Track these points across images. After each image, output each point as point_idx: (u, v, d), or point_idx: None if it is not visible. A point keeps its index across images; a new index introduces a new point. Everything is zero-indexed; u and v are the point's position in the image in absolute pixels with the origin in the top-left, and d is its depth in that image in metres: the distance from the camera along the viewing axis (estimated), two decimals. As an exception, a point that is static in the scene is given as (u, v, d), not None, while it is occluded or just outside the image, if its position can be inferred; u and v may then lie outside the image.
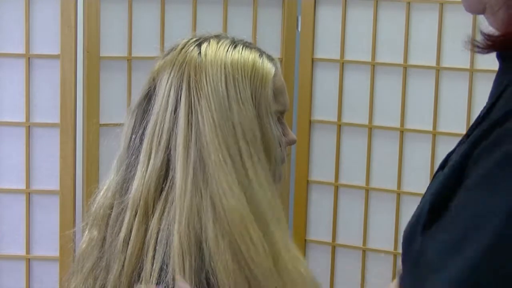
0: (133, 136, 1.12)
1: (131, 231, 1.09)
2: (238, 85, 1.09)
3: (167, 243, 1.05)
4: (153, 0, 2.45)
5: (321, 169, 2.60)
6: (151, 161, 1.08)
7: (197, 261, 1.04)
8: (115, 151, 1.16)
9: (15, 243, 2.49)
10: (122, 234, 1.09)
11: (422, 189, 0.92)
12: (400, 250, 1.10)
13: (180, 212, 1.05)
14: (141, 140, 1.11)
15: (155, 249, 1.06)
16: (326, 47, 2.55)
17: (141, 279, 1.07)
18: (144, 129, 1.11)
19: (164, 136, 1.08)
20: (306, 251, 2.61)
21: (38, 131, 2.47)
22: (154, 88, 1.12)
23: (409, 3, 2.43)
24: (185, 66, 1.10)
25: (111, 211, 1.12)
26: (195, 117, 1.07)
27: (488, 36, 0.81)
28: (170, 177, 1.08)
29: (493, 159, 0.74)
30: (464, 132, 1.24)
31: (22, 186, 2.47)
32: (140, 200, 1.08)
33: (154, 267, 1.05)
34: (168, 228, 1.05)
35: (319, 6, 2.54)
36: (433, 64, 2.43)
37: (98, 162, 2.43)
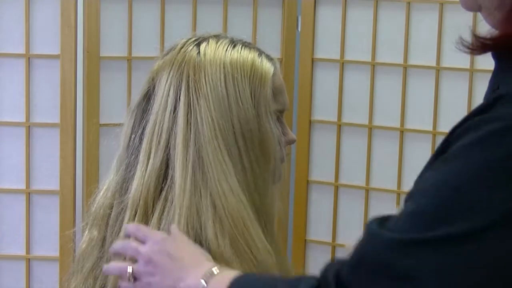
0: (133, 136, 1.12)
1: None
2: (237, 85, 1.09)
3: None
4: (153, 0, 2.45)
5: (321, 169, 2.60)
6: (151, 160, 1.08)
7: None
8: (115, 151, 1.16)
9: (15, 243, 2.49)
10: (122, 234, 1.09)
11: (422, 189, 0.92)
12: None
13: (179, 212, 1.05)
14: (141, 139, 1.11)
15: None
16: (326, 47, 2.55)
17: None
18: (144, 129, 1.11)
19: (164, 136, 1.08)
20: (306, 251, 2.61)
21: (38, 131, 2.47)
22: (154, 88, 1.12)
23: (409, 3, 2.43)
24: (184, 65, 1.10)
25: (111, 211, 1.12)
26: (194, 116, 1.07)
27: (478, 38, 0.82)
28: (169, 176, 1.08)
29: (477, 134, 0.77)
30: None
31: (22, 186, 2.47)
32: (139, 200, 1.08)
33: None
34: (168, 227, 1.05)
35: (319, 6, 2.54)
36: (433, 64, 2.43)
37: (98, 162, 2.43)
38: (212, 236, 1.03)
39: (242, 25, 2.50)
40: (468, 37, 0.84)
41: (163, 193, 1.08)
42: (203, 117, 1.07)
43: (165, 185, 1.08)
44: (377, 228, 0.82)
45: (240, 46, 1.13)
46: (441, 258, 0.75)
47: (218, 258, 1.03)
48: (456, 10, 2.36)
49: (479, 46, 0.82)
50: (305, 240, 2.62)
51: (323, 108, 2.57)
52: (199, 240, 1.04)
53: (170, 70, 1.10)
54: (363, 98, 2.52)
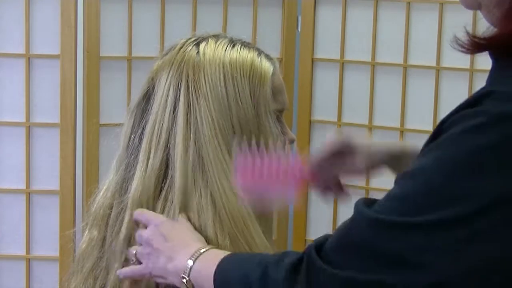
0: (132, 136, 1.12)
1: (131, 231, 1.09)
2: (237, 84, 1.09)
3: None
4: (153, 0, 2.45)
5: (321, 169, 2.59)
6: (150, 160, 1.08)
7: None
8: (115, 151, 1.16)
9: (15, 243, 2.49)
10: (122, 234, 1.09)
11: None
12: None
13: (179, 212, 1.05)
14: (140, 139, 1.11)
15: None
16: (326, 47, 2.55)
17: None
18: (143, 128, 1.11)
19: (163, 136, 1.08)
20: (306, 251, 2.61)
21: (38, 131, 2.47)
22: (153, 88, 1.12)
23: (409, 3, 2.43)
24: (184, 65, 1.10)
25: (111, 211, 1.12)
26: (194, 116, 1.07)
27: (472, 38, 0.82)
28: (169, 176, 1.08)
29: (465, 125, 0.79)
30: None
31: (22, 186, 2.47)
32: (140, 200, 1.08)
33: None
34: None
35: (319, 6, 2.54)
36: (433, 64, 2.43)
37: (98, 162, 2.43)
38: (212, 235, 1.04)
39: (242, 25, 2.50)
40: (463, 36, 0.84)
41: (163, 193, 1.08)
42: (202, 116, 1.07)
43: (165, 184, 1.08)
44: (364, 207, 0.83)
45: (240, 46, 1.13)
46: (431, 242, 0.77)
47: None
48: (456, 10, 2.36)
49: (473, 45, 0.83)
50: (305, 240, 2.62)
51: (323, 108, 2.57)
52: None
53: (169, 70, 1.10)
54: (363, 98, 2.52)
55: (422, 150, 0.85)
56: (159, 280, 1.03)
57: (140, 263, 1.05)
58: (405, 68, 2.46)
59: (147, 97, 1.12)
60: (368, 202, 0.85)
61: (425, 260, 0.77)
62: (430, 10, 2.42)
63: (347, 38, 2.52)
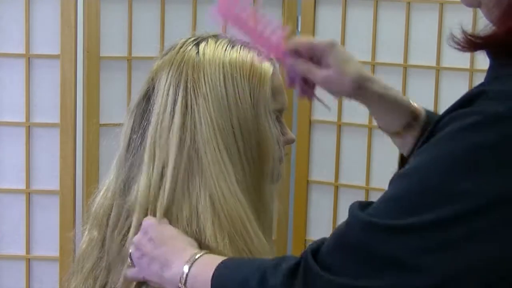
0: (133, 136, 1.11)
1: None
2: (237, 84, 1.09)
3: None
4: (153, 0, 2.45)
5: (321, 169, 2.60)
6: (156, 162, 1.08)
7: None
8: (115, 151, 1.16)
9: (15, 243, 2.49)
10: (131, 235, 1.07)
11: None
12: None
13: (179, 212, 1.05)
14: (142, 140, 1.10)
15: None
16: (326, 47, 2.55)
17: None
18: (144, 129, 1.10)
19: (164, 136, 1.08)
20: (306, 251, 2.61)
21: (38, 131, 2.47)
22: (153, 88, 1.11)
23: (409, 3, 2.43)
24: (183, 65, 1.09)
25: (111, 212, 1.12)
26: (193, 116, 1.07)
27: (468, 36, 0.83)
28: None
29: (459, 124, 0.79)
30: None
31: (22, 186, 2.47)
32: (148, 203, 1.07)
33: None
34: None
35: (319, 6, 2.54)
36: (433, 64, 2.43)
37: (98, 162, 2.43)
38: (211, 236, 1.03)
39: (242, 25, 2.50)
40: (458, 34, 0.85)
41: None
42: (201, 116, 1.06)
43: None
44: (358, 210, 0.83)
45: (239, 46, 1.13)
46: (427, 243, 0.76)
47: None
48: (456, 10, 2.36)
49: (468, 43, 0.83)
50: (305, 240, 2.62)
51: (323, 108, 2.56)
52: (198, 240, 1.04)
53: (169, 70, 1.10)
54: (363, 98, 2.52)
55: (418, 148, 0.85)
56: (154, 285, 1.03)
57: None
58: (405, 68, 2.46)
59: (147, 97, 1.12)
60: (362, 205, 0.84)
61: (422, 262, 0.76)
62: (430, 10, 2.42)
63: (347, 38, 2.52)
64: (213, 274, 0.95)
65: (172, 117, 1.07)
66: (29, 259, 2.50)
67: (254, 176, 1.09)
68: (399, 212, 0.79)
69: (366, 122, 2.52)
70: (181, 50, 1.11)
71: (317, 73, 1.07)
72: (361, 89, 1.08)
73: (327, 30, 2.54)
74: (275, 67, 1.15)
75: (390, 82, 2.66)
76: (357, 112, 2.53)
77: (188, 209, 1.05)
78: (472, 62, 2.37)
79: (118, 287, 1.08)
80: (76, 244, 1.22)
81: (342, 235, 0.84)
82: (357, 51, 2.51)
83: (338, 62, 1.06)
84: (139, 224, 1.06)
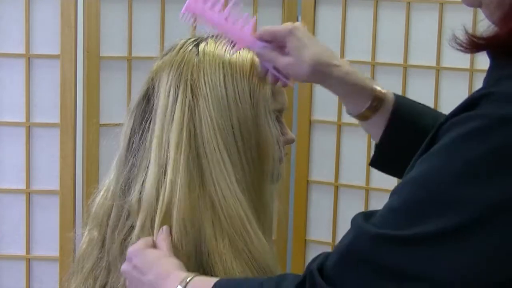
0: (134, 137, 1.11)
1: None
2: (237, 84, 1.09)
3: None
4: (153, 0, 2.45)
5: (321, 169, 2.60)
6: (158, 162, 1.07)
7: (197, 260, 1.04)
8: (115, 151, 1.16)
9: (15, 243, 2.49)
10: (135, 236, 1.07)
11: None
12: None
13: (178, 213, 1.05)
14: (142, 140, 1.10)
15: None
16: (326, 47, 2.55)
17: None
18: (144, 129, 1.10)
19: (165, 137, 1.08)
20: (306, 251, 2.61)
21: (38, 131, 2.47)
22: (153, 89, 1.11)
23: (409, 3, 2.43)
24: (183, 66, 1.09)
25: (111, 212, 1.12)
26: (193, 116, 1.07)
27: (471, 37, 0.82)
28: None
29: (461, 130, 0.78)
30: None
31: (22, 186, 2.47)
32: (151, 203, 1.06)
33: None
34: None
35: (319, 6, 2.54)
36: (433, 64, 2.43)
37: (98, 162, 2.43)
38: (211, 236, 1.03)
39: (242, 25, 2.50)
40: (461, 35, 0.84)
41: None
42: (202, 117, 1.06)
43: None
44: (363, 221, 0.82)
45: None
46: (430, 253, 0.76)
47: (216, 258, 1.02)
48: (456, 10, 2.36)
49: (472, 44, 0.83)
50: (305, 240, 2.62)
51: (323, 108, 2.57)
52: (198, 240, 1.04)
53: (169, 71, 1.10)
54: (363, 98, 2.51)
55: (420, 154, 0.84)
56: None
57: None
58: (405, 68, 2.46)
59: (147, 97, 1.12)
60: (366, 216, 0.84)
61: (425, 271, 0.76)
62: (430, 10, 2.42)
63: (347, 38, 2.52)
64: None
65: (173, 118, 1.07)
66: (29, 259, 2.50)
67: (254, 176, 1.09)
68: (404, 222, 0.78)
69: (366, 122, 2.52)
70: (181, 50, 1.11)
71: (279, 60, 1.08)
72: (318, 75, 1.10)
73: (327, 30, 2.54)
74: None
75: (390, 82, 2.68)
76: (357, 112, 2.53)
77: (188, 209, 1.05)
78: (472, 62, 2.37)
79: (118, 287, 1.09)
80: (76, 244, 1.23)
81: (347, 248, 0.83)
82: (357, 51, 2.51)
83: (295, 48, 1.08)
84: (142, 225, 1.06)
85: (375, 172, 2.54)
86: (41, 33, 2.42)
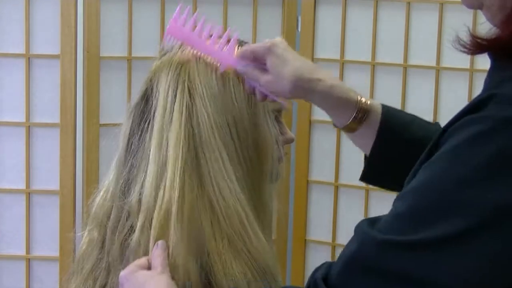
0: (133, 137, 1.11)
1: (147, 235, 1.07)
2: (233, 84, 1.09)
3: None
4: (153, 0, 2.45)
5: (321, 169, 2.60)
6: (157, 163, 1.07)
7: (196, 261, 1.04)
8: (115, 151, 1.16)
9: (15, 243, 2.49)
10: (132, 242, 1.07)
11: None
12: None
13: (178, 213, 1.05)
14: (141, 141, 1.10)
15: None
16: (326, 47, 2.55)
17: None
18: (143, 130, 1.10)
19: (164, 137, 1.08)
20: (306, 251, 2.61)
21: (38, 131, 2.47)
22: (152, 89, 1.11)
23: (409, 3, 2.43)
24: (182, 66, 1.09)
25: (111, 212, 1.12)
26: (191, 117, 1.07)
27: (474, 38, 0.82)
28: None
29: (465, 134, 0.78)
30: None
31: (22, 186, 2.47)
32: (151, 203, 1.06)
33: None
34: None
35: (319, 6, 2.54)
36: (433, 64, 2.43)
37: (98, 162, 2.43)
38: (210, 236, 1.03)
39: (242, 25, 2.50)
40: (465, 37, 0.84)
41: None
42: (199, 117, 1.06)
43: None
44: (368, 228, 0.82)
45: (238, 46, 1.13)
46: (435, 258, 0.76)
47: (216, 258, 1.02)
48: (456, 10, 2.36)
49: (475, 46, 0.83)
50: (305, 240, 2.62)
51: (323, 108, 2.56)
52: (197, 241, 1.04)
53: (168, 71, 1.10)
54: (363, 98, 2.51)
55: (423, 160, 0.84)
56: None
57: None
58: (405, 68, 2.46)
59: (146, 98, 1.12)
60: (371, 222, 0.83)
61: (429, 276, 0.76)
62: (430, 10, 2.42)
63: (347, 38, 2.52)
64: None
65: (171, 119, 1.07)
66: (29, 259, 2.50)
67: (254, 175, 1.09)
68: (409, 227, 0.78)
69: (366, 122, 2.52)
70: (180, 50, 1.12)
71: (261, 78, 1.08)
72: (299, 91, 1.08)
73: (327, 30, 2.54)
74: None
75: (390, 82, 2.67)
76: (357, 112, 2.53)
77: (187, 209, 1.05)
78: (472, 62, 2.37)
79: None
80: (76, 244, 1.22)
81: (352, 256, 0.83)
82: (357, 51, 2.51)
83: (274, 66, 1.07)
84: (142, 225, 1.06)
85: (375, 172, 2.54)
86: (41, 33, 2.42)
